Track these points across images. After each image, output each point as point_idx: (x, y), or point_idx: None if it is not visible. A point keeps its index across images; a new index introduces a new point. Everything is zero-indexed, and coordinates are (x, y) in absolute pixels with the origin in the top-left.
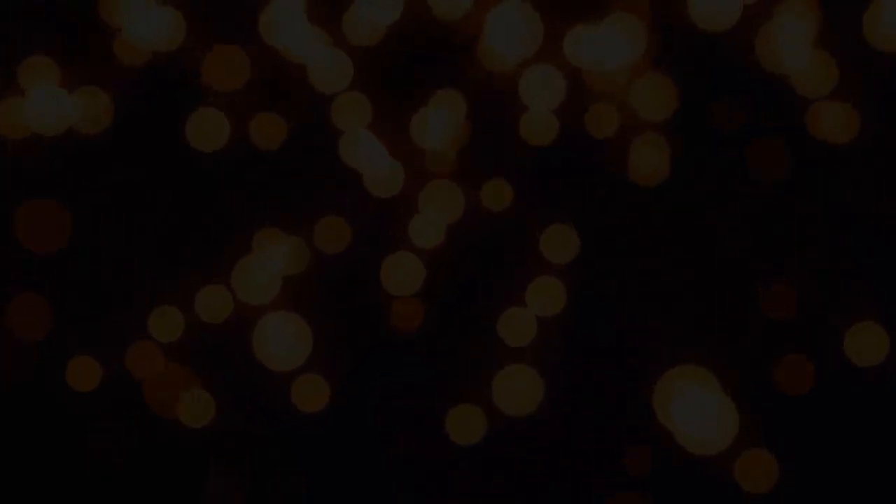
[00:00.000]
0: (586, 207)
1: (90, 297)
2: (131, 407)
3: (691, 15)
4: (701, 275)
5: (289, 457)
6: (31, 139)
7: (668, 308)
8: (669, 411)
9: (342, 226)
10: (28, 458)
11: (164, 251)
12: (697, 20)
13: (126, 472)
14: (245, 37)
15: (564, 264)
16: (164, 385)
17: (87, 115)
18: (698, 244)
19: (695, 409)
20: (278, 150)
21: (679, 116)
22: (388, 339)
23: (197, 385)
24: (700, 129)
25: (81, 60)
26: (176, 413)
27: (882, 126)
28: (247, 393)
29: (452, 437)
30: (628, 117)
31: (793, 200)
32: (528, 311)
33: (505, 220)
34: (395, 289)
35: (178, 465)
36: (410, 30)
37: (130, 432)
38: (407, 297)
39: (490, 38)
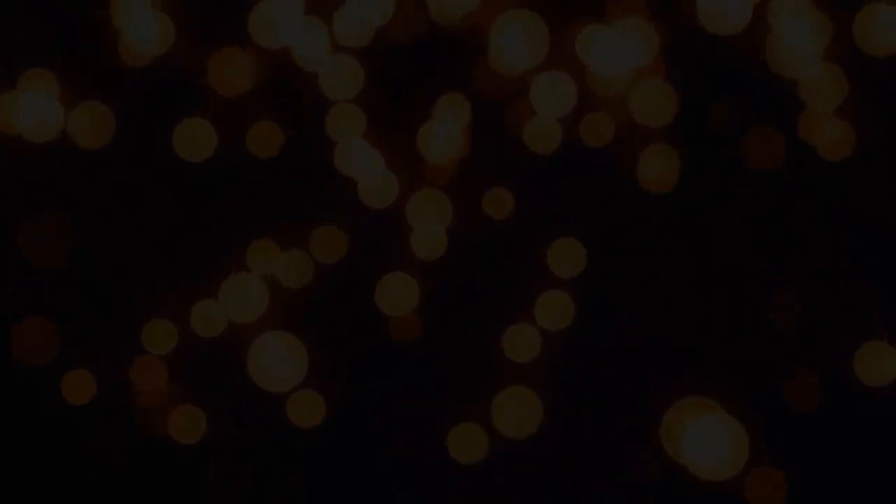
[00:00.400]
0: (590, 214)
1: (86, 309)
2: (127, 419)
3: (700, 18)
4: (707, 281)
5: (288, 458)
6: (27, 148)
7: (675, 317)
8: (679, 446)
9: (340, 237)
10: (24, 466)
11: (158, 263)
12: (705, 23)
13: (122, 479)
14: (243, 40)
15: (571, 278)
16: (157, 401)
17: (85, 129)
18: (705, 251)
19: (705, 441)
20: (273, 158)
21: (680, 118)
22: (387, 352)
23: (191, 401)
24: (701, 131)
25: (80, 67)
26: (168, 430)
27: (882, 128)
28: (241, 408)
29: (453, 455)
30: (634, 123)
31: (793, 200)
32: (533, 326)
33: (507, 229)
34: (393, 309)
35: (176, 470)
36: (410, 34)
37: (126, 443)
38: (406, 315)
39: (496, 44)
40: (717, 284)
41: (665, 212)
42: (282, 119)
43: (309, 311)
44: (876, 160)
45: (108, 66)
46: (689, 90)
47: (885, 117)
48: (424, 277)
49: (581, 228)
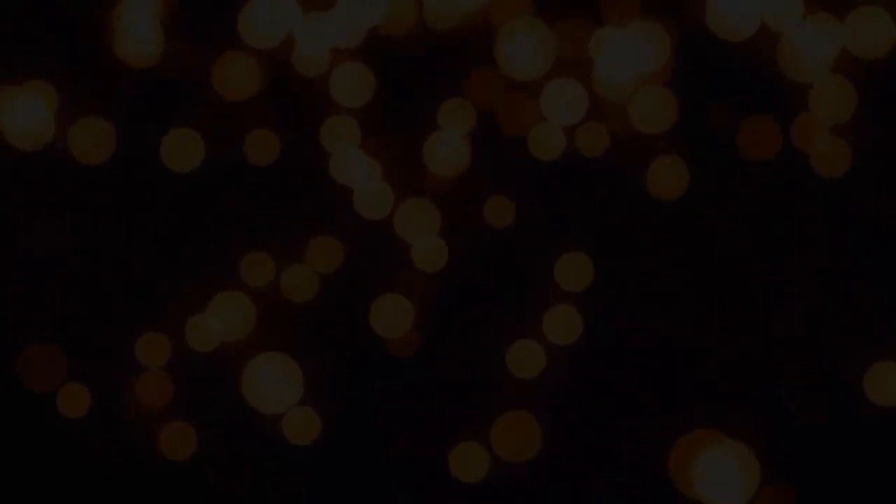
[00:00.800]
0: (594, 219)
1: (81, 322)
2: (120, 434)
3: (708, 23)
4: (716, 289)
5: (284, 474)
6: (21, 154)
7: (679, 321)
8: (690, 481)
9: (336, 248)
10: (20, 476)
11: (152, 273)
12: (714, 28)
13: (115, 493)
14: (242, 44)
15: (577, 291)
16: (150, 416)
17: (82, 138)
18: (714, 255)
19: (716, 474)
20: (270, 166)
21: (682, 122)
22: (386, 367)
23: (184, 416)
24: (702, 133)
25: (78, 70)
26: (160, 445)
27: (882, 130)
28: (235, 424)
29: (454, 474)
30: (639, 130)
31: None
32: (537, 340)
33: (509, 239)
34: (390, 330)
35: (170, 484)
36: (409, 39)
37: (119, 457)
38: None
39: (501, 50)
40: (725, 291)
41: (672, 218)
42: (279, 126)
43: (305, 324)
44: (877, 161)
45: (106, 67)
46: (692, 94)
47: (885, 119)
48: (424, 289)
49: (581, 231)
